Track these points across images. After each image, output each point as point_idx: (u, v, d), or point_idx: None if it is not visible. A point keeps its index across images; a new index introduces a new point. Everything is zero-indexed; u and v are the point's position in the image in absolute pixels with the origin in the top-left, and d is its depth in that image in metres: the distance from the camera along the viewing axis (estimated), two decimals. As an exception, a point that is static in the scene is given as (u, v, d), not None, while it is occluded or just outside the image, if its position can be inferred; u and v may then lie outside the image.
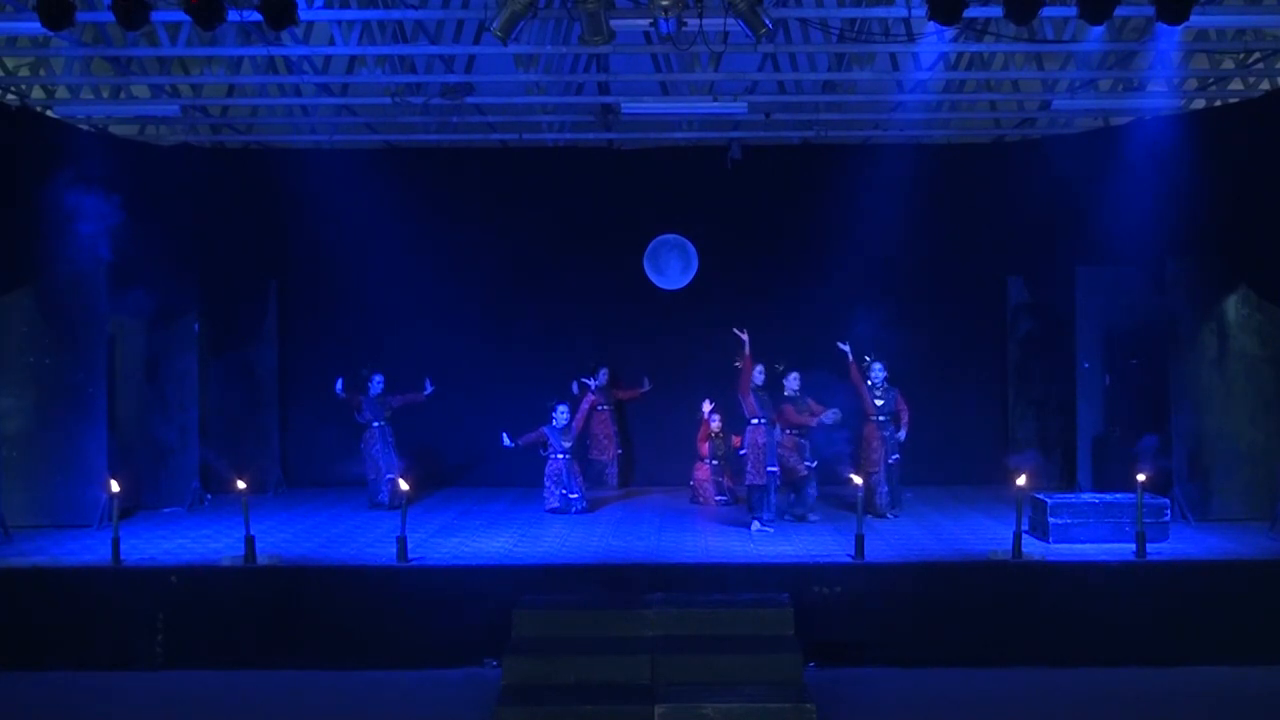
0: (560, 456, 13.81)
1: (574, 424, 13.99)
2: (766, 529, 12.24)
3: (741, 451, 12.61)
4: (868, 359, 13.21)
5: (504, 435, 13.74)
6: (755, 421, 12.41)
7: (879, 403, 13.09)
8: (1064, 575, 10.52)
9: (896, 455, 13.16)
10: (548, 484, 13.84)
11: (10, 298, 12.87)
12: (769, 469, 12.36)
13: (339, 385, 14.07)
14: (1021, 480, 10.92)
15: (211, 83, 13.97)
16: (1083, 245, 14.60)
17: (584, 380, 15.04)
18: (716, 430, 14.39)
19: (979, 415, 15.81)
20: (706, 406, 14.35)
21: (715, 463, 14.42)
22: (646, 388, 15.69)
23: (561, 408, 13.97)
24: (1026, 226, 15.53)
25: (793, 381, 12.90)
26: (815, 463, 12.97)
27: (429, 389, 14.33)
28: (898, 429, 13.18)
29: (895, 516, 12.97)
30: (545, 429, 13.86)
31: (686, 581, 10.53)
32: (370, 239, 15.71)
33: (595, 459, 15.52)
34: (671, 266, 16.22)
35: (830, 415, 12.79)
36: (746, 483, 12.50)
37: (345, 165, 15.74)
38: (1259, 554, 10.93)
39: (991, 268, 15.87)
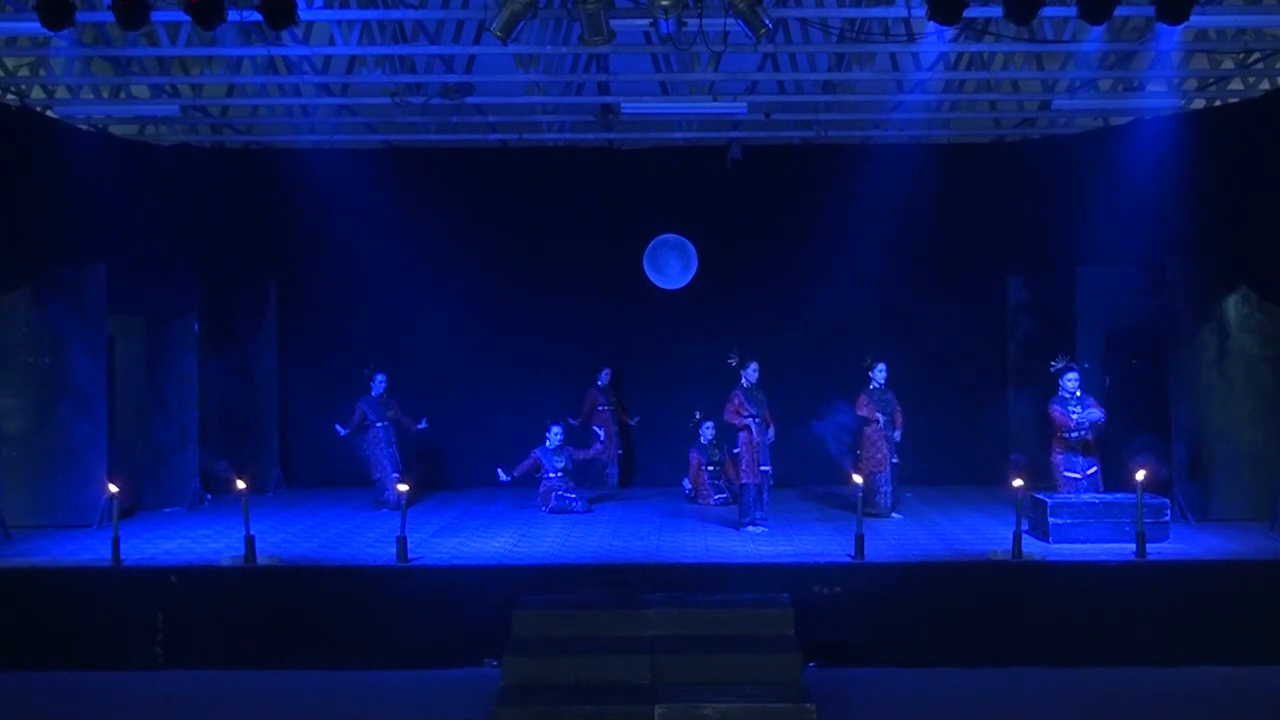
0: (553, 475, 13.81)
1: (581, 455, 14.25)
2: (760, 527, 12.25)
3: (736, 450, 12.61)
4: (869, 359, 13.21)
5: (499, 470, 13.77)
6: (747, 420, 12.40)
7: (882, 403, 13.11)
8: (1064, 575, 10.52)
9: (895, 457, 13.16)
10: (540, 496, 13.86)
11: (10, 298, 12.86)
12: (762, 468, 12.36)
13: (340, 429, 14.10)
14: (1021, 480, 10.92)
15: (211, 83, 13.97)
16: (1083, 245, 14.60)
17: (571, 421, 15.05)
18: (709, 442, 14.44)
19: (979, 415, 15.80)
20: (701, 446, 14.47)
21: (711, 468, 14.44)
22: (633, 422, 15.86)
23: (556, 428, 13.98)
24: (1026, 226, 15.54)
25: (1070, 382, 12.29)
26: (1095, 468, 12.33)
27: (423, 424, 14.26)
28: (894, 429, 13.19)
29: (898, 517, 12.96)
30: (537, 451, 13.86)
31: (686, 581, 10.52)
32: (370, 239, 15.71)
33: (595, 459, 15.52)
34: (671, 266, 16.22)
35: (1098, 414, 12.12)
36: (741, 481, 12.51)
37: (345, 165, 15.74)
38: (1259, 554, 10.93)
39: (991, 268, 15.88)
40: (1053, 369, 12.44)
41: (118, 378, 13.70)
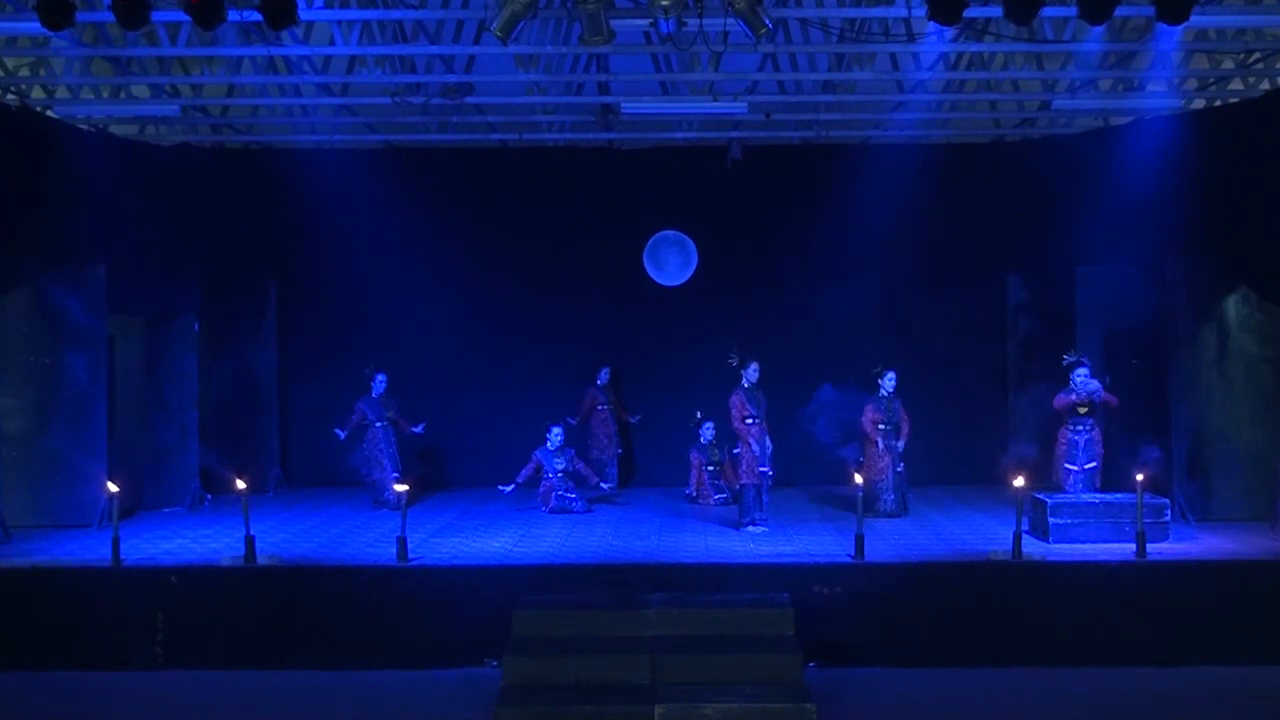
0: (553, 476, 13.80)
1: (580, 468, 14.10)
2: (760, 527, 12.26)
3: (735, 451, 12.57)
4: (879, 367, 13.20)
5: (501, 488, 13.74)
6: (749, 421, 12.38)
7: (887, 411, 13.14)
8: (1064, 575, 10.52)
9: (900, 465, 13.16)
10: (540, 496, 13.85)
11: (10, 298, 12.86)
12: (760, 469, 12.36)
13: (339, 433, 14.06)
14: (1021, 480, 10.92)
15: (211, 83, 13.97)
16: (1083, 245, 14.59)
17: (570, 420, 15.02)
18: (709, 442, 14.47)
19: (979, 415, 15.81)
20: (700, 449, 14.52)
21: (711, 468, 14.44)
22: (634, 420, 15.87)
23: (556, 429, 13.97)
24: (1026, 226, 15.53)
25: (1081, 377, 12.33)
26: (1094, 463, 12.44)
27: (419, 429, 14.27)
28: (898, 438, 13.18)
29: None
30: (538, 453, 13.84)
31: (686, 581, 10.52)
32: (370, 239, 15.71)
33: (595, 458, 15.52)
34: (671, 262, 16.23)
35: (1096, 385, 12.29)
36: (741, 483, 12.50)
37: (345, 165, 15.74)
38: (1259, 554, 10.93)
39: (991, 268, 15.87)
40: (1064, 363, 12.51)
41: (118, 378, 13.70)
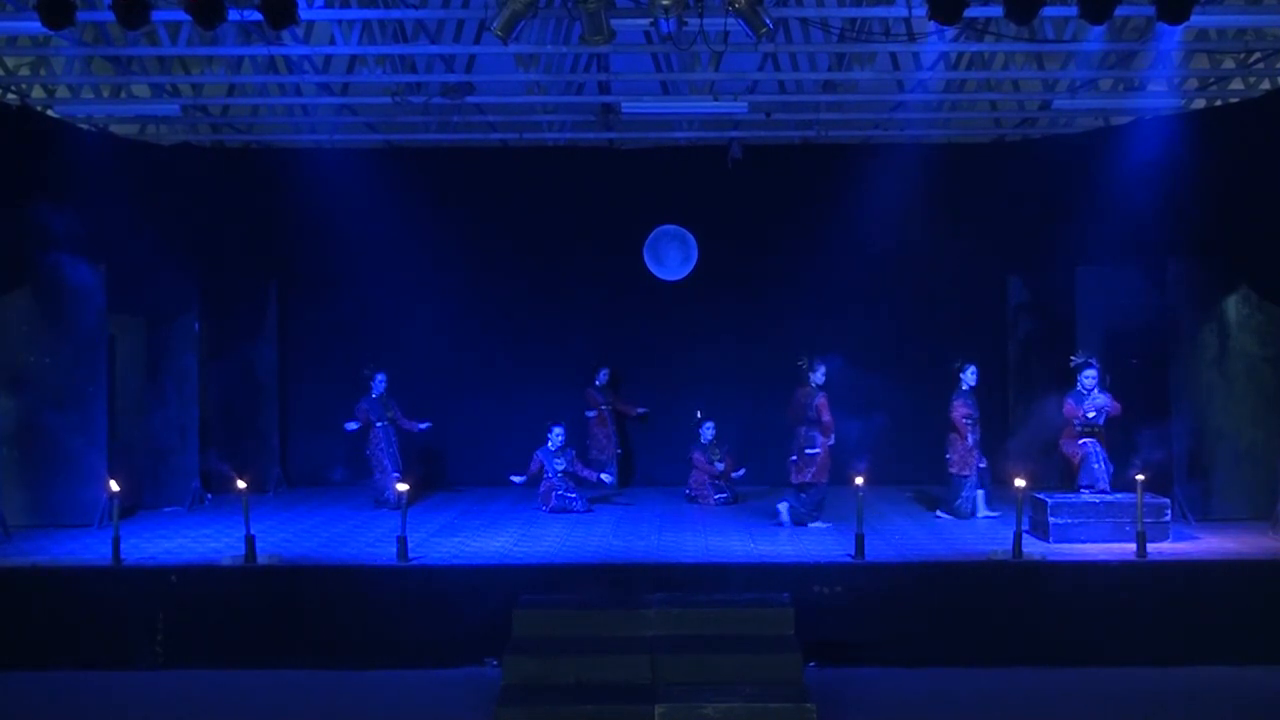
0: (552, 476, 13.80)
1: (581, 471, 14.06)
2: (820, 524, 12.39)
3: (813, 450, 12.40)
4: (959, 362, 13.14)
5: (512, 477, 13.85)
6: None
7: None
8: (1064, 575, 10.52)
9: (983, 461, 13.15)
10: (540, 496, 13.85)
11: (10, 298, 12.86)
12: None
13: (348, 426, 14.04)
14: (1021, 480, 10.91)
15: (212, 82, 13.97)
16: (1083, 245, 14.60)
17: (589, 414, 15.02)
18: (709, 442, 14.46)
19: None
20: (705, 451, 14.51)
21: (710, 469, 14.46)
22: (637, 413, 15.86)
23: (557, 429, 13.98)
24: (1026, 226, 15.52)
25: (1089, 379, 12.34)
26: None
27: (424, 426, 14.30)
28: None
29: (993, 515, 12.95)
30: (539, 452, 13.86)
31: (686, 581, 10.52)
32: (370, 238, 15.71)
33: (595, 458, 15.53)
34: (671, 257, 16.23)
35: (1105, 400, 12.24)
36: (814, 480, 12.44)
37: (345, 165, 15.74)
38: (1259, 554, 10.93)
39: (991, 268, 15.87)
40: (1072, 363, 12.49)
41: (118, 377, 13.71)
